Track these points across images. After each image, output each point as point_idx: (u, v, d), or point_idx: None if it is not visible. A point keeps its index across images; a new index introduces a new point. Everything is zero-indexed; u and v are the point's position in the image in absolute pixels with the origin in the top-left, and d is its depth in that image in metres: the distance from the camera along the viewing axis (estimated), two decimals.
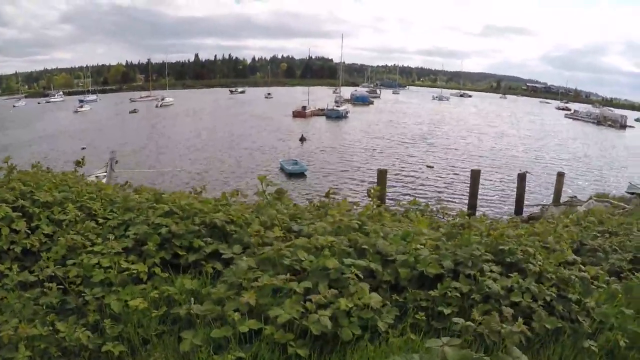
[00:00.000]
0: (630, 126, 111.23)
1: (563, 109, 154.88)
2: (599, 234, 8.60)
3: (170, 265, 4.42)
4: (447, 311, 3.71)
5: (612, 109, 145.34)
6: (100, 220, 5.06)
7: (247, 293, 3.43)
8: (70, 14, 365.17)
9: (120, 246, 4.34)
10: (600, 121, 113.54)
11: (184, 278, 4.08)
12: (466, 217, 6.14)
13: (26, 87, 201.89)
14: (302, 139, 58.72)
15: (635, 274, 5.40)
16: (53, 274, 4.01)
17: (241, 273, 3.77)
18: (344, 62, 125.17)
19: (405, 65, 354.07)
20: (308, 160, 45.93)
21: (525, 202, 29.81)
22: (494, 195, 35.04)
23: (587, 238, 7.88)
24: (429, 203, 7.91)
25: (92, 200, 5.53)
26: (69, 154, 41.87)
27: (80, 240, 4.45)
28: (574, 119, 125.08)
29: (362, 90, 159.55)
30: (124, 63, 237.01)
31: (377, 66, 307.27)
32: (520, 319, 3.47)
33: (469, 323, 3.44)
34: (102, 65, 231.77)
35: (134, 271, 4.05)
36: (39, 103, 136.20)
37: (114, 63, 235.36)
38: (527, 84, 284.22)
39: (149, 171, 37.48)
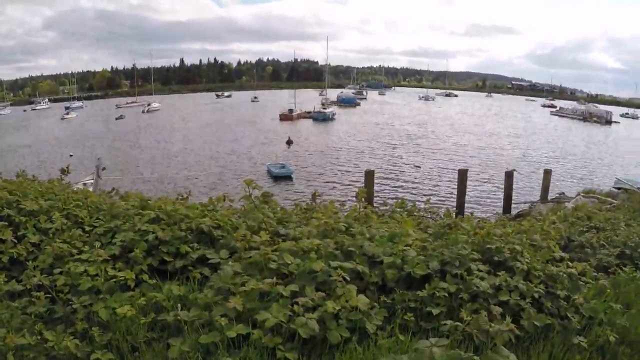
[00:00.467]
0: (615, 122, 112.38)
1: (549, 107, 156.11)
2: (586, 230, 8.66)
3: (157, 272, 4.41)
4: (435, 311, 3.71)
5: (597, 105, 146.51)
6: (87, 228, 5.06)
7: (234, 298, 3.41)
8: (54, 20, 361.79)
9: (107, 254, 4.30)
10: (586, 117, 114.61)
11: (171, 284, 4.07)
12: (453, 216, 6.16)
13: (11, 94, 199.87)
14: (289, 142, 58.72)
15: (623, 268, 5.44)
16: (40, 283, 3.98)
17: (228, 278, 3.76)
18: (329, 64, 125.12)
19: (391, 66, 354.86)
20: (295, 163, 45.91)
21: (514, 200, 29.87)
22: (482, 194, 35.15)
23: (574, 234, 7.92)
24: (417, 203, 7.95)
25: (78, 208, 5.53)
26: (57, 161, 41.73)
27: (67, 248, 4.43)
28: (560, 116, 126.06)
29: (348, 91, 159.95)
30: (109, 69, 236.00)
31: (363, 67, 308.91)
32: (508, 318, 3.47)
33: (457, 323, 3.45)
34: (87, 71, 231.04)
35: (121, 278, 4.02)
36: (24, 111, 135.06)
37: (99, 69, 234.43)
38: (512, 83, 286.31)
39: (136, 177, 37.30)
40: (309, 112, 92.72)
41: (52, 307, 3.85)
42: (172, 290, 3.94)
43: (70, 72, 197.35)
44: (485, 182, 39.20)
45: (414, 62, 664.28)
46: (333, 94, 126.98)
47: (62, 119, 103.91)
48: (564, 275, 4.32)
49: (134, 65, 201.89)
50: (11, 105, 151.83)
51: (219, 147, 58.32)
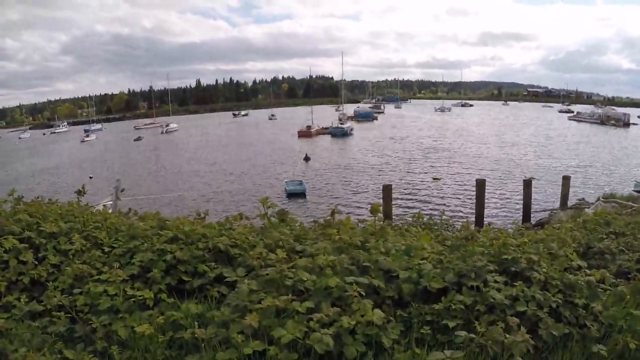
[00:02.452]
0: (634, 123, 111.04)
1: (566, 112, 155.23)
2: (605, 236, 8.56)
3: (176, 291, 4.46)
4: (451, 324, 3.70)
5: (614, 107, 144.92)
6: (106, 249, 5.14)
7: (250, 315, 3.44)
8: (71, 46, 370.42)
9: (126, 274, 4.37)
10: (603, 121, 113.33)
11: (189, 303, 4.11)
12: (470, 228, 6.14)
13: (30, 118, 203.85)
14: (307, 159, 58.87)
15: None
16: (61, 303, 4.06)
17: (244, 295, 3.79)
18: (344, 80, 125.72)
19: (406, 79, 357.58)
20: (313, 179, 45.98)
21: (533, 209, 29.58)
22: (501, 204, 34.85)
23: (593, 241, 7.84)
24: (434, 216, 7.94)
25: (97, 230, 5.62)
26: (78, 184, 41.99)
27: (86, 269, 4.52)
28: (577, 120, 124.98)
29: (364, 106, 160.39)
30: (126, 91, 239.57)
31: (378, 81, 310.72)
32: (523, 328, 3.46)
33: (471, 335, 3.44)
34: (105, 94, 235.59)
35: (140, 298, 4.08)
36: (44, 134, 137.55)
37: (116, 92, 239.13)
38: (528, 90, 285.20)
39: (156, 197, 37.55)
40: (326, 128, 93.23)
41: (72, 327, 3.91)
42: (190, 309, 3.97)
43: (88, 95, 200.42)
44: (504, 192, 38.82)
45: (428, 74, 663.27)
46: (349, 109, 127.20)
47: (82, 141, 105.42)
48: (582, 283, 4.26)
49: (150, 87, 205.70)
50: (30, 129, 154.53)
51: (238, 165, 58.54)
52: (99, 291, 4.08)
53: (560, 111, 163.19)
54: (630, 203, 22.81)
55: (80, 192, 7.70)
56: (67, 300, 4.08)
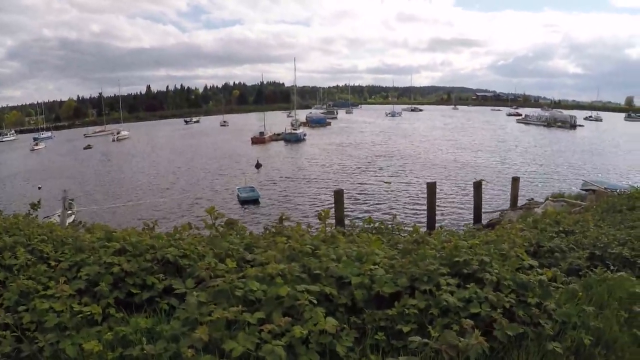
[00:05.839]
0: (580, 125, 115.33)
1: (514, 115, 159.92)
2: (555, 235, 8.76)
3: (125, 305, 4.31)
4: (406, 329, 3.68)
5: (561, 110, 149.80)
6: (52, 263, 4.94)
7: (200, 328, 3.34)
8: (17, 51, 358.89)
9: (73, 288, 4.21)
10: (550, 123, 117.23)
11: (138, 317, 3.97)
12: (420, 231, 6.16)
13: None
14: (258, 165, 58.55)
15: (594, 270, 5.47)
16: (6, 322, 3.87)
17: (193, 308, 3.69)
18: (296, 86, 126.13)
19: (357, 84, 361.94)
20: (265, 185, 45.77)
21: (484, 209, 30.22)
22: (453, 206, 35.44)
23: (543, 240, 8.00)
24: (385, 220, 7.96)
25: (43, 243, 5.48)
26: (27, 194, 40.85)
27: (32, 284, 4.35)
28: (525, 123, 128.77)
29: (316, 112, 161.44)
30: (75, 98, 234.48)
31: (329, 87, 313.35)
32: (477, 330, 3.45)
33: (425, 340, 3.42)
34: (54, 101, 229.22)
35: (87, 313, 3.92)
36: None
37: (64, 98, 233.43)
38: (477, 94, 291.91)
39: (106, 208, 36.74)
40: (279, 134, 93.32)
41: (18, 346, 3.73)
42: (139, 323, 3.82)
43: (36, 102, 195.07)
44: (455, 194, 39.53)
45: (379, 79, 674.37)
46: (301, 115, 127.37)
47: (32, 150, 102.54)
48: (534, 282, 4.30)
49: (100, 93, 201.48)
50: None
51: (191, 173, 57.86)
52: (45, 308, 3.92)
53: (509, 114, 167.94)
54: (578, 202, 23.62)
55: (35, 206, 7.45)
56: (12, 319, 3.90)
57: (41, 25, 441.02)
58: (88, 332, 3.74)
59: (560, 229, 9.52)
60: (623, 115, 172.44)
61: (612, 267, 6.27)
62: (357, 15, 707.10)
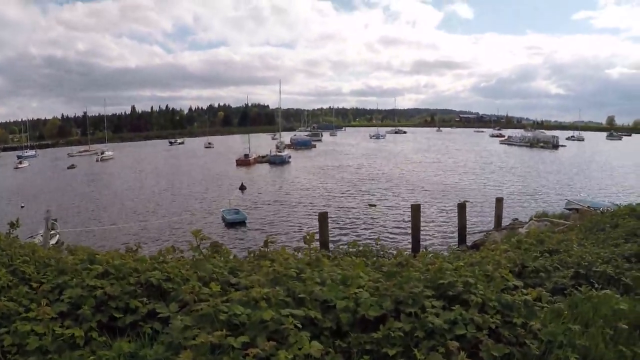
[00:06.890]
0: (562, 145, 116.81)
1: (497, 136, 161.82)
2: (539, 255, 8.78)
3: (107, 328, 4.26)
4: (391, 352, 3.66)
5: (543, 131, 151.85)
6: (34, 285, 4.89)
7: (184, 353, 3.30)
8: (2, 67, 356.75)
9: (55, 311, 4.18)
10: (533, 144, 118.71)
11: (121, 341, 3.93)
12: (405, 254, 6.17)
13: None
14: (242, 188, 58.14)
15: (579, 288, 5.50)
16: None
17: (177, 332, 3.65)
18: (281, 108, 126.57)
19: (341, 107, 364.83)
20: (250, 208, 45.41)
21: (469, 230, 30.36)
22: (437, 227, 35.44)
23: (528, 260, 8.02)
24: (369, 244, 7.97)
25: (25, 264, 5.41)
26: (10, 213, 40.31)
27: (13, 306, 4.31)
28: (508, 144, 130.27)
29: (301, 134, 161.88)
30: (59, 116, 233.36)
31: (313, 109, 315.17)
32: (462, 353, 3.45)
33: None
34: (38, 119, 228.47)
35: (70, 336, 3.90)
36: None
37: (49, 117, 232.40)
38: (460, 115, 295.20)
39: (89, 229, 36.34)
40: (264, 156, 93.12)
41: None
42: (122, 347, 3.78)
43: (20, 119, 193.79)
44: (439, 216, 39.56)
45: (363, 102, 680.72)
46: (286, 137, 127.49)
47: (16, 168, 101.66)
48: (519, 302, 4.33)
49: (84, 112, 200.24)
50: None
51: (174, 195, 57.22)
52: (27, 330, 3.88)
53: (492, 135, 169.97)
54: (562, 221, 23.76)
55: (14, 225, 7.36)
56: None
57: (27, 42, 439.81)
58: (70, 356, 3.72)
59: (545, 248, 9.56)
60: (605, 134, 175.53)
61: (596, 285, 6.31)
62: (341, 39, 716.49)
